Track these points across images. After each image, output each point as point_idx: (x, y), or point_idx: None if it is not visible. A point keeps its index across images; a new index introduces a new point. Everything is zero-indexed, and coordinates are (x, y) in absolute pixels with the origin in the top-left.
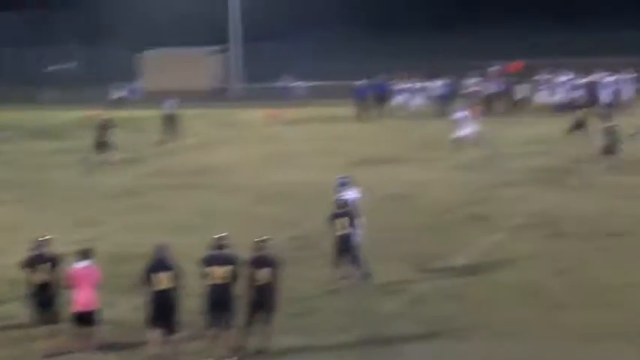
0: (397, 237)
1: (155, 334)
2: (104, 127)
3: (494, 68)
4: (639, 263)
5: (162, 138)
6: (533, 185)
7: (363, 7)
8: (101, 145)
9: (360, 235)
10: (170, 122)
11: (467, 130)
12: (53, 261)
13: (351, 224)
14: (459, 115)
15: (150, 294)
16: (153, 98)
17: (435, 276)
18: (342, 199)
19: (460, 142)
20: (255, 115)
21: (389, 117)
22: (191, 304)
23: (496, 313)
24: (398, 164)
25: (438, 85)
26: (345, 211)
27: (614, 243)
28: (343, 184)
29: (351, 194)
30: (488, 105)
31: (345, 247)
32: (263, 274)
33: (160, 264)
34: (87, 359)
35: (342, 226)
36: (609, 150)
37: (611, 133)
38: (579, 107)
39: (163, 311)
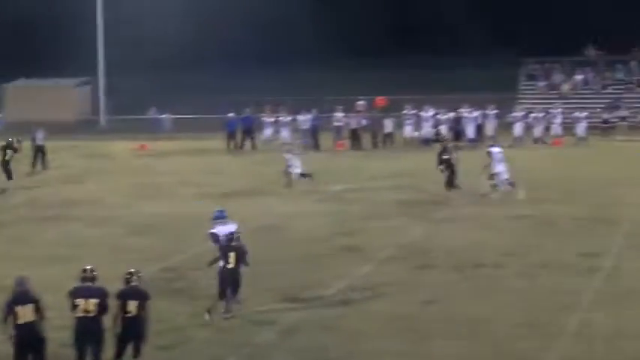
0: (269, 269)
1: None
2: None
3: (361, 102)
4: (506, 294)
5: (32, 169)
6: (401, 217)
7: (229, 41)
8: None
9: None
10: (40, 153)
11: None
12: None
13: (240, 259)
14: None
15: (15, 328)
16: (17, 129)
17: (307, 307)
18: (231, 233)
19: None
20: (124, 147)
21: (257, 150)
22: (60, 337)
23: (368, 343)
24: (267, 196)
25: (306, 118)
26: (235, 246)
27: (481, 274)
28: (219, 217)
29: (227, 228)
30: (355, 139)
31: (232, 280)
32: (132, 306)
33: (22, 296)
34: None
35: (232, 260)
36: (449, 183)
37: (449, 167)
38: (439, 141)
39: (30, 344)
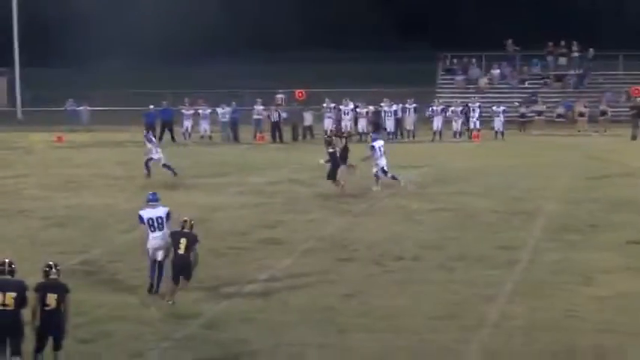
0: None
1: None
2: None
3: (280, 95)
4: (425, 287)
5: None
6: (321, 210)
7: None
8: None
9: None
10: None
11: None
12: None
13: (190, 246)
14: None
15: None
16: None
17: (227, 300)
18: (160, 217)
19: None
20: (41, 139)
21: (176, 142)
22: None
23: (289, 335)
24: (188, 189)
25: (225, 110)
26: (186, 232)
27: (400, 267)
28: (151, 201)
29: (156, 212)
30: (275, 131)
31: (182, 266)
32: (52, 300)
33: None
34: None
35: (183, 246)
36: (330, 176)
37: (332, 159)
38: (341, 136)
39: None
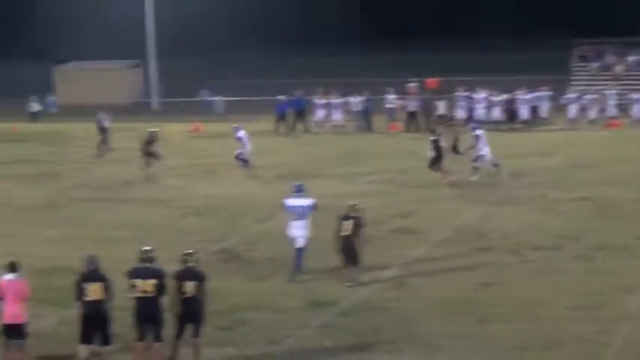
0: (323, 249)
1: (84, 347)
2: (150, 140)
3: (413, 84)
4: (563, 277)
5: (98, 151)
6: (455, 199)
7: (283, 24)
8: (149, 155)
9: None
10: (103, 135)
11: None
12: None
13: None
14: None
15: (82, 305)
16: (69, 112)
17: (363, 289)
18: (301, 206)
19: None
20: (177, 129)
21: (309, 132)
22: (120, 317)
23: (424, 325)
24: (320, 178)
25: (358, 100)
26: (353, 215)
27: (538, 257)
28: (297, 191)
29: (301, 201)
30: (410, 121)
31: (346, 249)
32: (189, 287)
33: (92, 275)
34: None
35: (347, 228)
36: (433, 164)
37: (436, 148)
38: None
39: (96, 322)
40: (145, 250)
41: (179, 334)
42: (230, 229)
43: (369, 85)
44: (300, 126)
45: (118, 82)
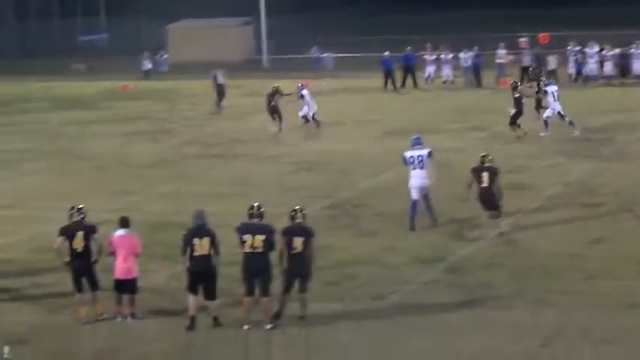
0: (435, 205)
1: (193, 298)
2: (273, 95)
3: (524, 39)
4: None
5: (215, 108)
6: (566, 155)
7: None
8: (273, 111)
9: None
10: (220, 92)
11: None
12: (89, 229)
13: (492, 180)
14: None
15: (189, 260)
16: (180, 69)
17: (472, 245)
18: (420, 156)
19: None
20: (287, 86)
21: (418, 88)
22: (228, 272)
23: (533, 282)
24: (430, 134)
25: (467, 55)
26: (489, 167)
27: None
28: (415, 144)
29: (420, 152)
30: (522, 76)
31: (486, 199)
32: (298, 243)
33: (199, 230)
34: (125, 326)
35: (485, 179)
36: (513, 121)
37: (517, 104)
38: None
39: (203, 277)
40: (256, 206)
41: (287, 289)
42: (339, 185)
43: (478, 40)
44: (409, 82)
45: (229, 39)
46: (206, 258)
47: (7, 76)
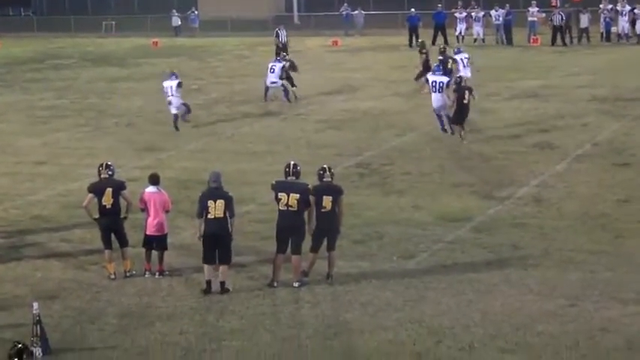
0: (463, 165)
1: (209, 267)
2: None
3: None
4: None
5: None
6: (597, 114)
7: None
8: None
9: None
10: (282, 49)
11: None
12: (118, 186)
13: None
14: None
15: (205, 222)
16: (210, 26)
17: (500, 204)
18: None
19: None
20: (317, 43)
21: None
22: (257, 229)
23: (561, 242)
24: None
25: (500, 13)
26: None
27: None
28: (437, 71)
29: (442, 78)
30: (554, 34)
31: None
32: (327, 202)
33: (214, 192)
34: (154, 282)
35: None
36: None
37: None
38: None
39: (216, 240)
40: (292, 165)
41: (316, 247)
42: (367, 144)
43: None
44: (439, 40)
45: None
46: (220, 220)
47: (40, 33)
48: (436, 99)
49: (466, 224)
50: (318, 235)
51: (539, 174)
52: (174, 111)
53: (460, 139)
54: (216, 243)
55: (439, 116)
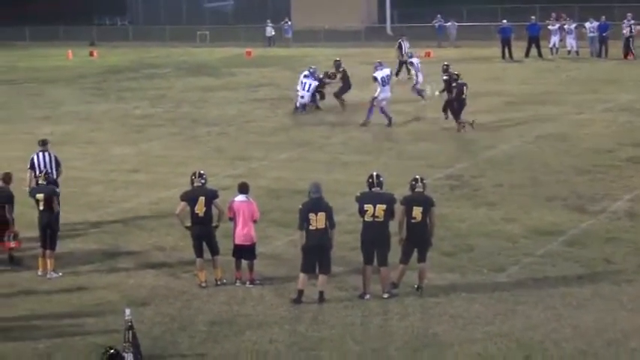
0: (556, 178)
1: (305, 277)
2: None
3: None
4: None
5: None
6: None
7: None
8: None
9: None
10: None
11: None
12: (211, 195)
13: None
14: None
15: (306, 233)
16: (303, 37)
17: (592, 218)
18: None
19: None
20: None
21: (543, 58)
22: (346, 240)
23: None
24: (550, 105)
25: (594, 25)
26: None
27: None
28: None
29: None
30: None
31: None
32: (417, 212)
33: (316, 204)
34: (244, 291)
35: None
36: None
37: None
38: None
39: (317, 251)
40: (375, 175)
41: (406, 259)
42: (459, 155)
43: (605, 9)
44: (533, 52)
45: (353, 6)
46: (322, 231)
47: (135, 42)
48: (385, 91)
49: (558, 238)
50: (408, 246)
51: (633, 188)
52: (302, 101)
53: (460, 131)
54: (318, 253)
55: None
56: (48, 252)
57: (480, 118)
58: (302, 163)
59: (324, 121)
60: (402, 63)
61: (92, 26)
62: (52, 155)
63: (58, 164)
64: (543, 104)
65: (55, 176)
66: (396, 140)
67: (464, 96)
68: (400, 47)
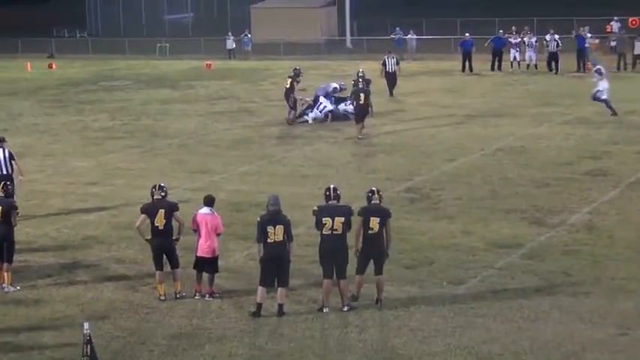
0: (515, 191)
1: (263, 291)
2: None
3: (615, 23)
4: None
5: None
6: None
7: None
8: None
9: None
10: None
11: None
12: (171, 207)
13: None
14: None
15: (264, 246)
16: (263, 49)
17: (551, 231)
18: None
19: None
20: (370, 67)
21: (501, 71)
22: (305, 253)
23: (613, 269)
24: (510, 118)
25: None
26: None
27: None
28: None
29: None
30: (619, 60)
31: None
32: (374, 224)
33: (274, 217)
34: (204, 304)
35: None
36: None
37: None
38: None
39: (275, 264)
40: (332, 188)
41: (362, 270)
42: (418, 168)
43: (565, 22)
44: (496, 65)
45: (313, 20)
46: (280, 244)
47: (95, 54)
48: None
49: (517, 250)
50: (365, 257)
51: (591, 201)
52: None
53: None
54: (277, 266)
55: None
56: (5, 265)
57: (439, 132)
58: (261, 176)
59: (285, 133)
60: (389, 79)
61: (51, 38)
62: (7, 151)
63: (12, 157)
64: (503, 117)
65: (10, 171)
66: (357, 153)
67: (361, 102)
68: (384, 64)
